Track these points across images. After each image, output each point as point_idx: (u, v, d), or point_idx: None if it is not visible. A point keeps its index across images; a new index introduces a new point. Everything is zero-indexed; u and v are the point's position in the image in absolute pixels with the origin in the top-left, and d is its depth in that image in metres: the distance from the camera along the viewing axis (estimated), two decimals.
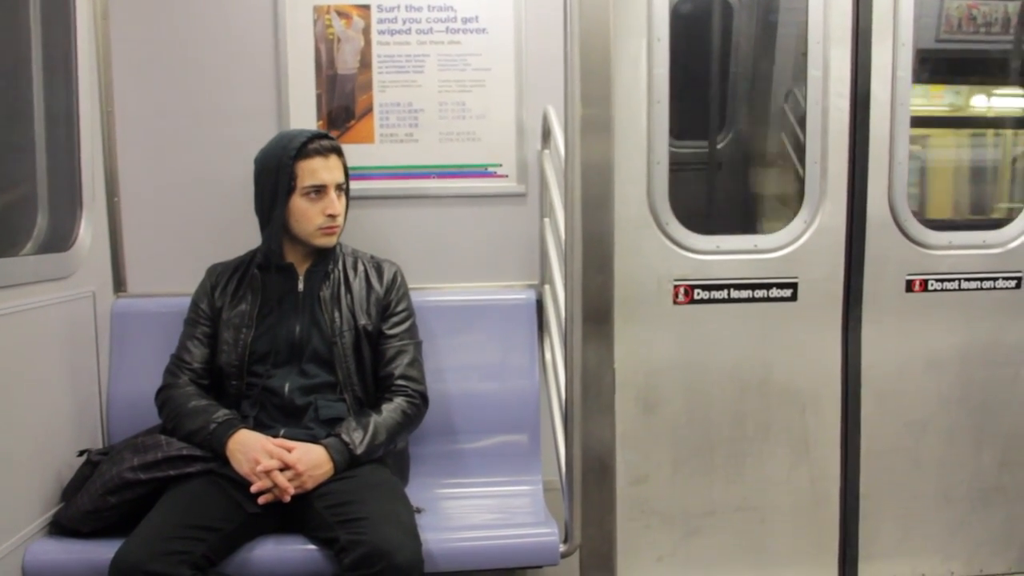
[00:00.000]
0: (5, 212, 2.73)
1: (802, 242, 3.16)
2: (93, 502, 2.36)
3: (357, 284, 2.73)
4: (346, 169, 2.74)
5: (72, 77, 2.83)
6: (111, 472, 2.37)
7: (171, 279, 3.07)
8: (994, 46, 3.70)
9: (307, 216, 2.65)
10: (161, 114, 3.10)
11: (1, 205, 2.73)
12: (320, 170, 2.64)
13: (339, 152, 2.71)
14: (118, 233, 3.09)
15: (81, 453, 2.58)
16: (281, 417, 2.58)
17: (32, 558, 2.35)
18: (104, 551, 2.17)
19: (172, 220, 3.13)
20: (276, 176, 2.61)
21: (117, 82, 3.07)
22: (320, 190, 2.64)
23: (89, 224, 2.88)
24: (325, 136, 2.70)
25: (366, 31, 3.13)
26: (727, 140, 3.75)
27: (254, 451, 2.36)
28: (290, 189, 2.62)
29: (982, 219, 3.70)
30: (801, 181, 3.21)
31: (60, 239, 2.79)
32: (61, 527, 2.43)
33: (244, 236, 2.84)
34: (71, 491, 2.49)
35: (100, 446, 2.86)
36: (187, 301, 2.77)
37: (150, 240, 3.12)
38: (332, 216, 2.66)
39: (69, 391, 2.73)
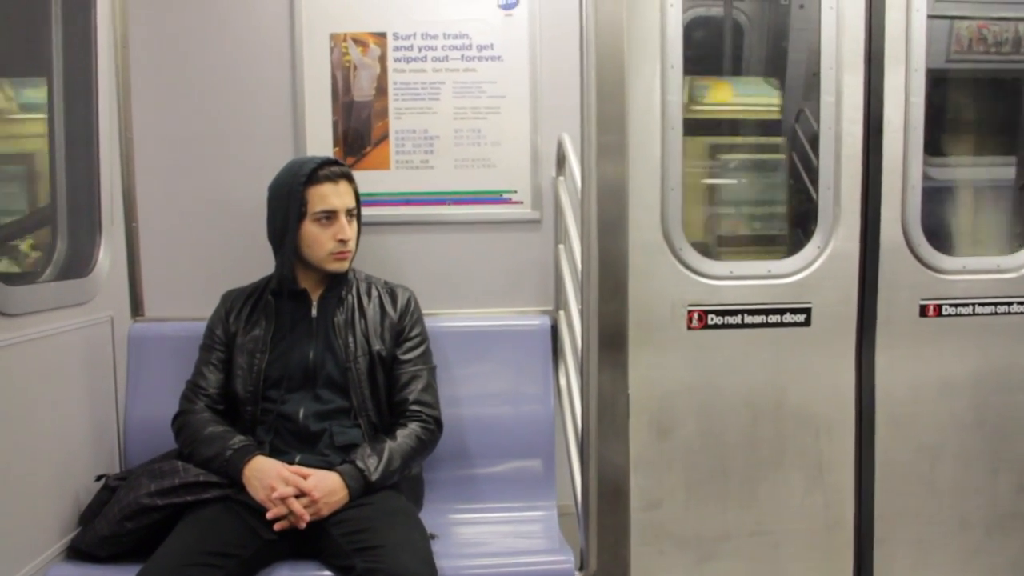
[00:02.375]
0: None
1: (815, 267, 3.15)
2: (110, 527, 2.37)
3: (371, 310, 2.75)
4: (357, 195, 2.76)
5: (92, 103, 2.86)
6: (128, 497, 2.39)
7: (188, 303, 3.09)
8: (1004, 66, 3.70)
9: (318, 241, 2.67)
10: (179, 140, 3.13)
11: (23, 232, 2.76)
12: (330, 195, 2.66)
13: (349, 178, 2.74)
14: (136, 258, 3.11)
15: (99, 478, 2.60)
16: (296, 443, 2.59)
17: None
18: None
19: (189, 245, 3.16)
20: (287, 202, 2.64)
21: (136, 108, 3.11)
22: (331, 215, 2.66)
23: (108, 249, 2.91)
24: (336, 162, 2.73)
25: (382, 58, 3.16)
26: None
27: (270, 478, 2.37)
28: (301, 215, 2.65)
29: None
30: (813, 200, 3.21)
31: (80, 264, 2.81)
32: (79, 552, 2.45)
33: (261, 261, 2.85)
34: (89, 516, 2.50)
35: (117, 470, 2.87)
36: (204, 325, 2.79)
37: (168, 264, 3.15)
38: (343, 241, 2.68)
39: (87, 415, 2.75)
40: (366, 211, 2.92)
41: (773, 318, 3.15)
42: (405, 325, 2.77)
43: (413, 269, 3.14)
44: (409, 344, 2.75)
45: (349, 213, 2.71)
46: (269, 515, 2.32)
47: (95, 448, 2.78)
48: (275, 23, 3.12)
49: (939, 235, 3.28)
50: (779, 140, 3.67)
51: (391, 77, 3.18)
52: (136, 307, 3.12)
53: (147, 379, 3.00)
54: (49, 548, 2.43)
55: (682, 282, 3.12)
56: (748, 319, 3.15)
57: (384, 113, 3.18)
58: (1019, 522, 3.30)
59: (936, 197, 3.54)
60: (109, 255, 2.91)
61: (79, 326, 2.70)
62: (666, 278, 3.12)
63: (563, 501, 2.89)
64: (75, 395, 2.69)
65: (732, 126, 3.67)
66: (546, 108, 3.17)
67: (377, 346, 2.70)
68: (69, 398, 2.65)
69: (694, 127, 3.41)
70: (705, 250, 3.18)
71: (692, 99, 3.43)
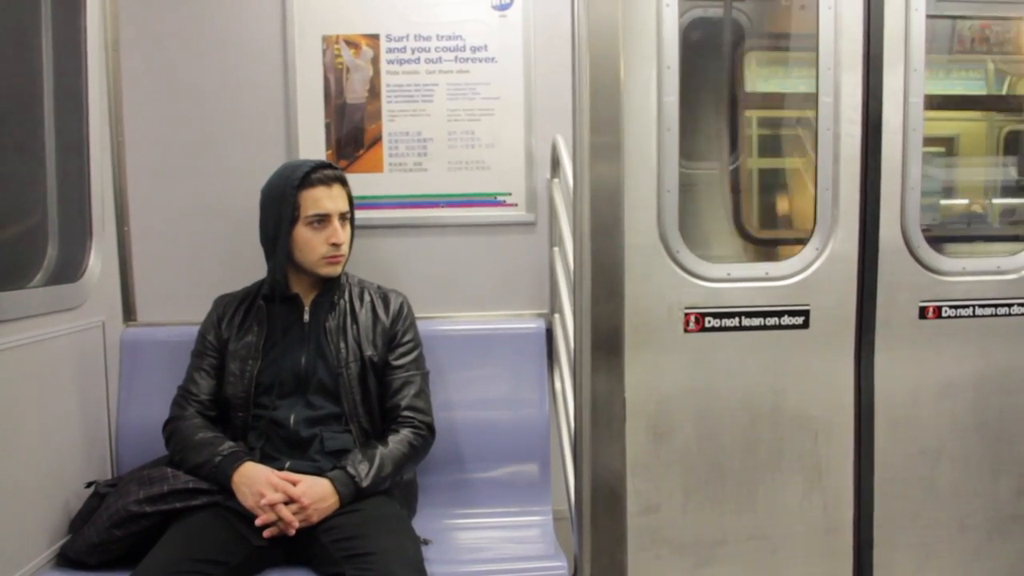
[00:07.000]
0: (16, 242, 2.74)
1: (814, 269, 3.12)
2: (99, 535, 2.36)
3: (363, 314, 2.73)
4: (351, 198, 2.75)
5: (83, 106, 2.84)
6: (117, 505, 2.37)
7: (181, 308, 3.08)
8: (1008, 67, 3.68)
9: (311, 245, 2.65)
10: (171, 143, 3.12)
11: (13, 235, 2.74)
12: (323, 199, 2.64)
13: (343, 181, 2.72)
14: (128, 262, 3.10)
15: (89, 485, 2.58)
16: (287, 449, 2.58)
17: None
18: None
19: (182, 249, 3.15)
20: (280, 206, 2.63)
21: (127, 111, 3.10)
22: (323, 219, 2.65)
23: (99, 253, 2.89)
24: (329, 166, 2.71)
25: (375, 60, 3.14)
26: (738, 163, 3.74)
27: (259, 484, 2.35)
28: (293, 219, 2.64)
29: None
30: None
31: (70, 269, 2.79)
32: (68, 559, 2.43)
33: (254, 265, 2.83)
34: (78, 523, 2.49)
35: (109, 476, 2.86)
36: (197, 330, 2.78)
37: (160, 269, 3.13)
38: (336, 245, 2.67)
39: (78, 421, 2.73)
40: (359, 214, 2.90)
41: (771, 320, 3.13)
42: (398, 330, 2.75)
43: (407, 273, 3.13)
44: (401, 349, 2.74)
45: (342, 217, 2.70)
46: (258, 522, 2.31)
47: (86, 454, 2.76)
48: (267, 25, 3.11)
49: None
50: None
51: (384, 79, 3.16)
52: (128, 312, 3.11)
53: (139, 384, 2.99)
54: (38, 555, 2.42)
55: (679, 284, 3.10)
56: (746, 321, 3.12)
57: (377, 115, 3.16)
58: (1020, 525, 3.27)
59: None
60: (100, 259, 2.89)
61: (70, 331, 2.69)
62: (663, 281, 3.09)
63: (559, 506, 2.87)
64: (66, 401, 2.68)
65: None
66: (541, 110, 3.16)
67: (369, 351, 2.68)
68: (60, 404, 2.64)
69: None
70: None
71: None
